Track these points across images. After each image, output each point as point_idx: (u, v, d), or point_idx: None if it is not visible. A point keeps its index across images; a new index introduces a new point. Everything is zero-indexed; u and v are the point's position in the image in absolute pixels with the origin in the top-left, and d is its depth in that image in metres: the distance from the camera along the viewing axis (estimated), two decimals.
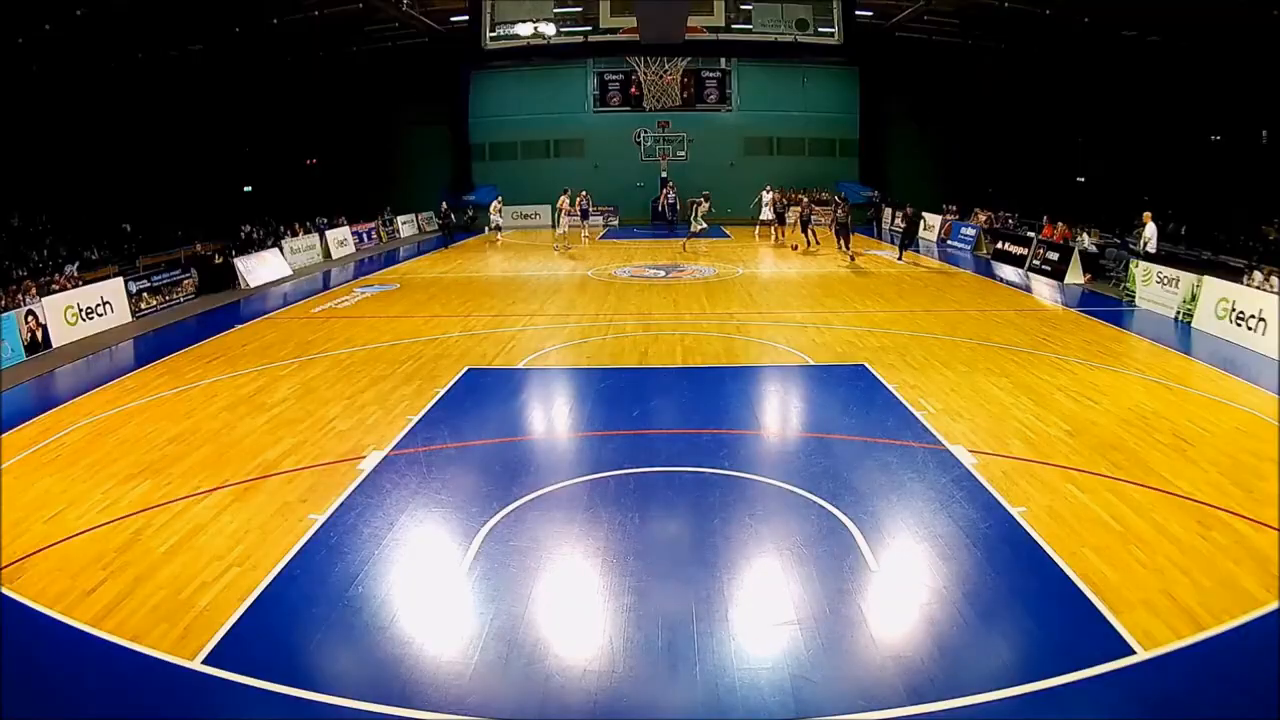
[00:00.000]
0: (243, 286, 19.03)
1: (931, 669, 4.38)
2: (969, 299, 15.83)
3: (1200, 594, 5.00)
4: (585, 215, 27.91)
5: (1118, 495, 6.48)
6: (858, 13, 29.04)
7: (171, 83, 22.03)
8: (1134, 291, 15.38)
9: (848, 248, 20.80)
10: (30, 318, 12.90)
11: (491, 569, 5.50)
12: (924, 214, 27.08)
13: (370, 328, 13.64)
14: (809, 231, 23.82)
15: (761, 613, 4.98)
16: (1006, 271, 19.76)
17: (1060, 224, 19.80)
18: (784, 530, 6.01)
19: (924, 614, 4.94)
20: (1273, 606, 4.87)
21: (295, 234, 23.97)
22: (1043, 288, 17.50)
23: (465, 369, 10.72)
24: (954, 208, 26.75)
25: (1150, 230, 16.02)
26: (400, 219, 30.82)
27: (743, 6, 30.50)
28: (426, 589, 5.35)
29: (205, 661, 4.51)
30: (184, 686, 4.35)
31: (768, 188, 28.41)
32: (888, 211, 29.07)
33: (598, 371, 10.77)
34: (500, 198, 28.35)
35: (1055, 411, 8.61)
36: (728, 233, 28.48)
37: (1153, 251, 16.00)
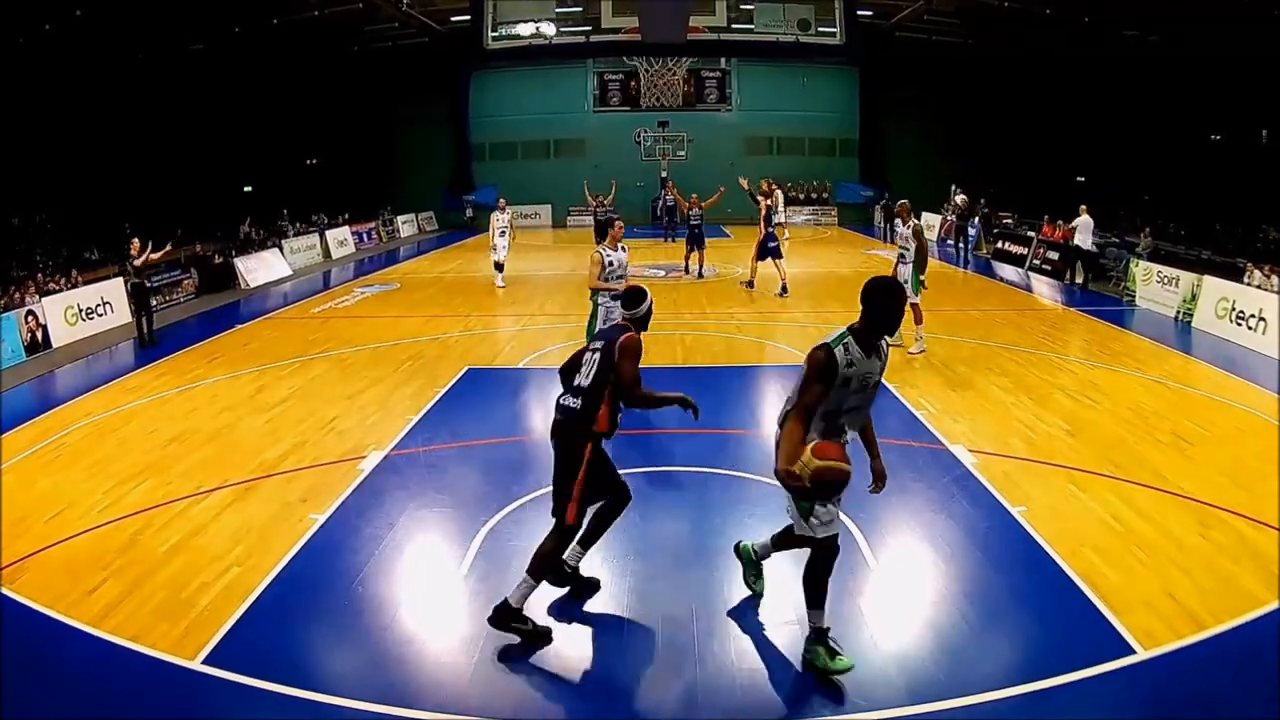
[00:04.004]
0: (243, 286, 19.05)
1: (931, 669, 4.38)
2: (969, 299, 15.83)
3: (1201, 594, 5.00)
4: (603, 232, 22.46)
5: (1118, 495, 6.48)
6: (859, 12, 29.07)
7: (171, 83, 22.03)
8: (1134, 291, 15.40)
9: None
10: (30, 318, 12.91)
11: (492, 569, 5.50)
12: (924, 214, 27.12)
13: (370, 328, 13.64)
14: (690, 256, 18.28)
15: (762, 612, 4.98)
16: (1007, 271, 19.77)
17: (1061, 223, 19.82)
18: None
19: (924, 614, 4.94)
20: (1273, 606, 4.87)
21: (296, 234, 24.01)
22: (1043, 288, 17.50)
23: (465, 369, 10.72)
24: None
25: (1082, 221, 16.81)
26: (400, 219, 30.85)
27: (744, 6, 30.53)
28: (427, 589, 5.35)
29: (205, 661, 4.50)
30: (184, 686, 4.35)
31: (773, 184, 27.93)
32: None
33: None
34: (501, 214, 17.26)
35: (1055, 411, 8.60)
36: (729, 233, 28.47)
37: (1086, 248, 16.95)
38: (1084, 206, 17.19)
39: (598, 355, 4.86)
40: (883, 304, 4.12)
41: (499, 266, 17.22)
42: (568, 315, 14.47)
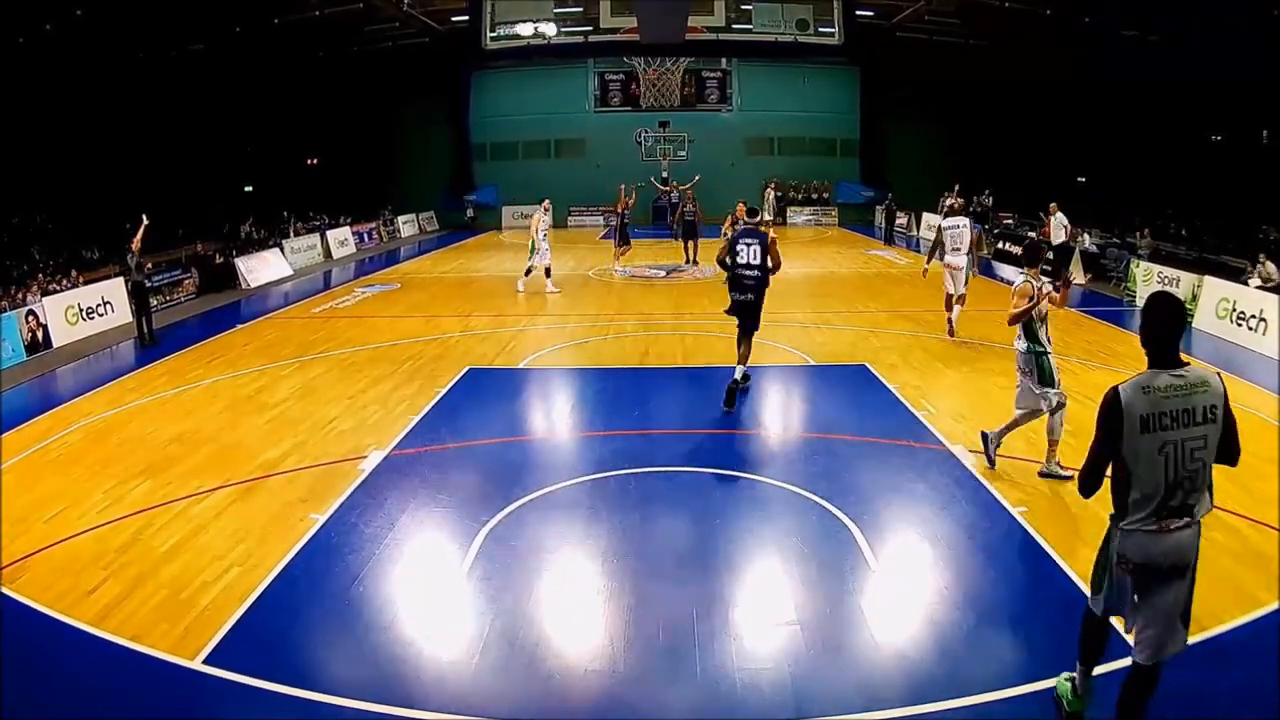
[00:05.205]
0: (243, 286, 19.06)
1: (932, 669, 4.38)
2: (970, 299, 15.76)
3: (1200, 594, 4.97)
4: (625, 236, 19.15)
5: None
6: (858, 12, 29.07)
7: (171, 83, 22.04)
8: (1134, 292, 15.40)
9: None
10: (31, 317, 12.91)
11: (492, 569, 5.50)
12: (924, 214, 27.14)
13: (371, 328, 13.64)
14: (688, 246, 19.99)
15: (762, 613, 4.98)
16: (1007, 271, 19.75)
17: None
18: (784, 530, 6.01)
19: (924, 614, 4.94)
20: (1273, 606, 4.87)
21: (296, 234, 24.02)
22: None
23: (466, 369, 10.72)
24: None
25: (1054, 220, 17.37)
26: (401, 219, 30.85)
27: (743, 6, 30.53)
28: (427, 589, 5.35)
29: (206, 661, 4.51)
30: (184, 686, 4.35)
31: (773, 183, 28.42)
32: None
33: (598, 371, 10.77)
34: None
35: None
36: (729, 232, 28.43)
37: (1058, 243, 17.33)
38: (1054, 204, 17.70)
39: (755, 244, 8.66)
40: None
41: (548, 271, 16.53)
42: (567, 316, 14.47)
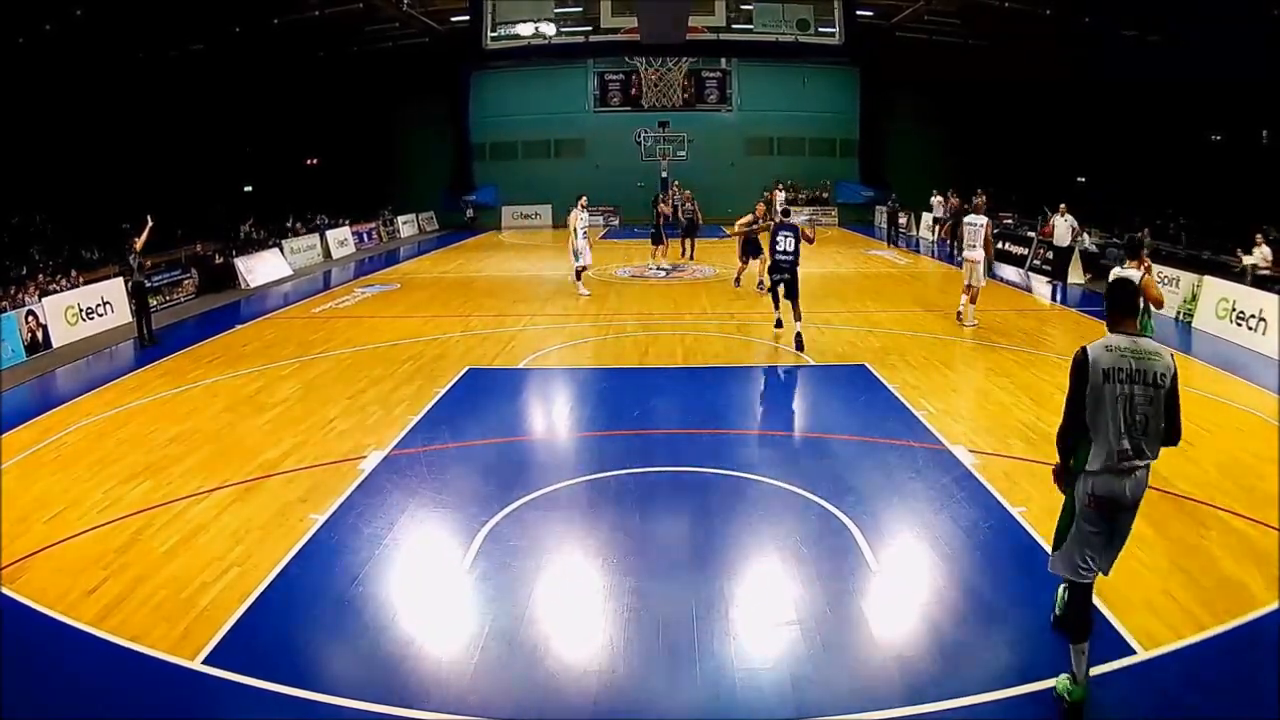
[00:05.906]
0: (243, 286, 19.06)
1: (931, 669, 4.38)
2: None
3: (1201, 594, 5.00)
4: (660, 236, 19.84)
5: None
6: (859, 12, 29.08)
7: (171, 83, 22.04)
8: None
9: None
10: (30, 318, 12.91)
11: (492, 569, 5.50)
12: (924, 214, 27.10)
13: (371, 328, 13.64)
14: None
15: (762, 613, 4.98)
16: (1007, 271, 19.76)
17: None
18: (784, 530, 6.00)
19: (924, 614, 4.94)
20: (1273, 606, 4.87)
21: (296, 234, 24.01)
22: (1043, 287, 17.50)
23: (466, 369, 10.71)
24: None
25: (1063, 222, 17.64)
26: (401, 219, 30.85)
27: (743, 6, 30.53)
28: (427, 589, 5.35)
29: (206, 661, 4.50)
30: (184, 686, 4.35)
31: (778, 186, 28.32)
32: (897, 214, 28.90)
33: (598, 371, 10.77)
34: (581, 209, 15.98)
35: (1056, 411, 8.48)
36: (728, 232, 28.40)
37: (1063, 245, 17.73)
38: (1063, 205, 17.88)
39: (791, 236, 11.33)
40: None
41: (581, 273, 16.29)
42: (567, 315, 14.47)
